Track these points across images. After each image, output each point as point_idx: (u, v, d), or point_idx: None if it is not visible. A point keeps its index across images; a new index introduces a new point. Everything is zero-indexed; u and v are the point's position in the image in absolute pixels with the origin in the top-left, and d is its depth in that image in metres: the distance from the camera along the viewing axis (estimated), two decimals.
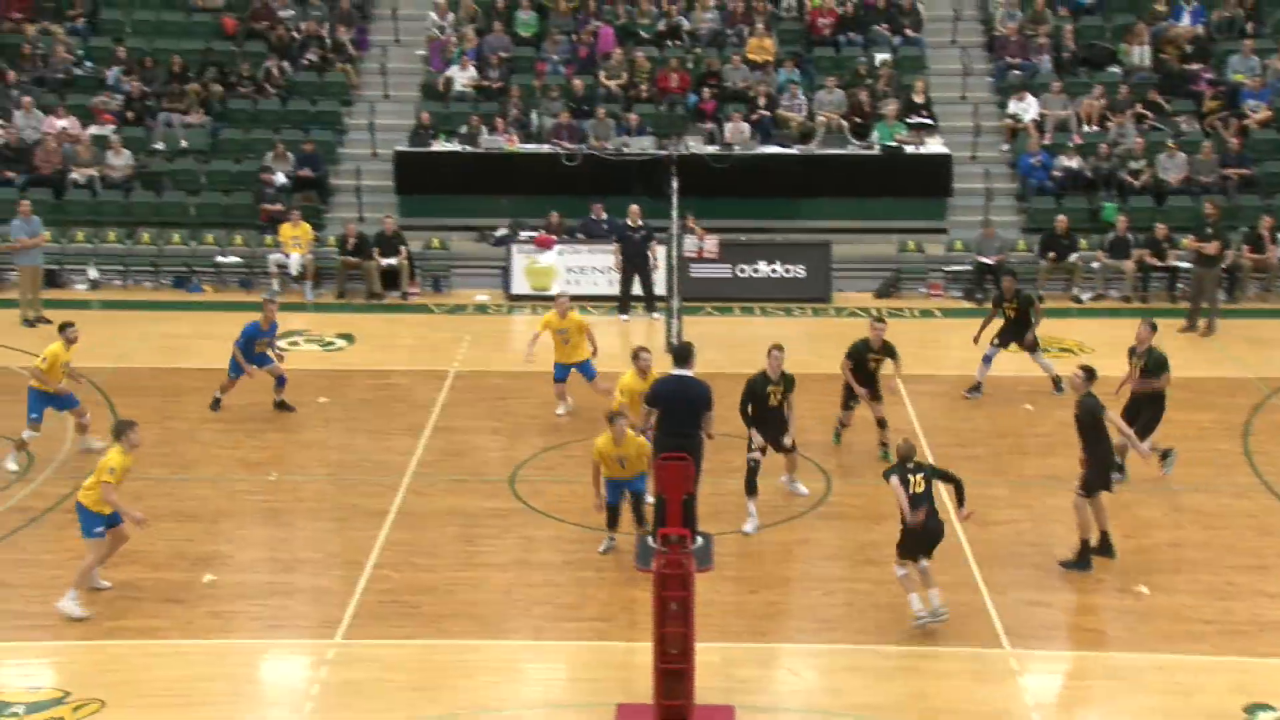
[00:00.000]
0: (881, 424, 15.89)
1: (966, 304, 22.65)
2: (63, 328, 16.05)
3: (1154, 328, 15.47)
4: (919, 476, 12.23)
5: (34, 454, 15.81)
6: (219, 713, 11.18)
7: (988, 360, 18.02)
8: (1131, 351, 15.37)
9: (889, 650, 12.09)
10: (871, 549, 13.93)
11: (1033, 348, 18.07)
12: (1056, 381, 17.96)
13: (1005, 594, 13.04)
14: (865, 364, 15.75)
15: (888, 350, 15.76)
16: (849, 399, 16.06)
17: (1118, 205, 23.79)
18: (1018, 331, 17.98)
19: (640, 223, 21.96)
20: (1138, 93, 25.57)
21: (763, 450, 14.20)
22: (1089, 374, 13.44)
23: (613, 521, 13.61)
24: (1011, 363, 18.48)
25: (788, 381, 14.25)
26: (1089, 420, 13.18)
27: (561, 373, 17.18)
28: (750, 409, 14.17)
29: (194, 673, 11.71)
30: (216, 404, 17.31)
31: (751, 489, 14.24)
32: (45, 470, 15.62)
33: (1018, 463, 16.26)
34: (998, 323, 18.06)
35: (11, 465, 15.60)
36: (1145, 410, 14.92)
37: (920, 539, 12.25)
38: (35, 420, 15.61)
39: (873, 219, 24.30)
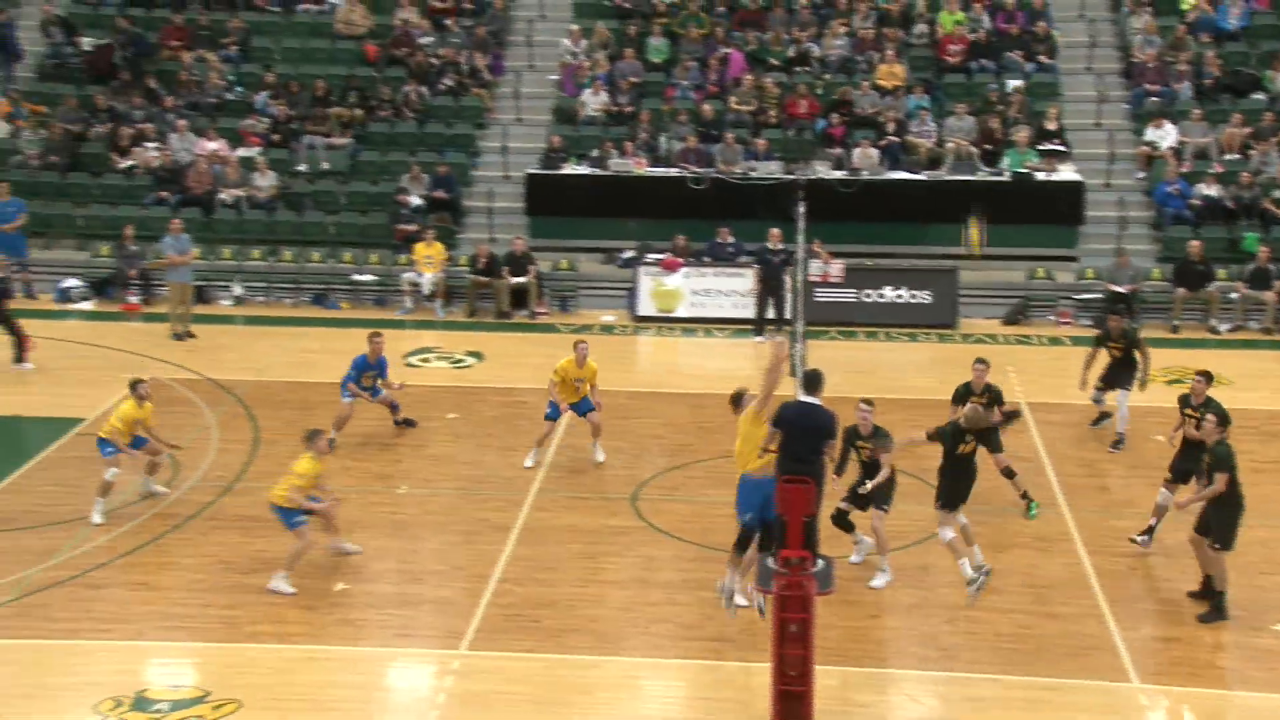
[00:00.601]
0: (1009, 474, 15.20)
1: (1097, 332, 22.18)
2: (133, 385, 15.39)
3: (1210, 379, 14.62)
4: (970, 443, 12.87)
5: (180, 462, 16.28)
6: (348, 718, 11.42)
7: (1098, 401, 17.47)
8: (1185, 401, 14.50)
9: (1012, 681, 11.91)
10: (996, 578, 13.71)
11: (1126, 387, 17.12)
12: (1118, 441, 17.16)
13: (1134, 629, 12.77)
14: None
15: (991, 393, 15.18)
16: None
17: (1259, 235, 23.15)
18: (1122, 374, 17.10)
19: (780, 246, 21.96)
20: None
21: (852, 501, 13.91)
22: (1222, 420, 13.08)
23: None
24: (1144, 392, 18.05)
25: (880, 439, 13.75)
26: (1221, 468, 12.81)
27: (556, 412, 16.60)
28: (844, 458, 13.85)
29: (325, 678, 11.99)
30: (330, 444, 17.22)
31: (846, 529, 13.95)
32: (191, 478, 16.10)
33: (1148, 495, 15.81)
34: (1102, 362, 17.30)
35: (97, 517, 14.88)
36: (1191, 461, 14.01)
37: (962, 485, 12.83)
38: (112, 454, 15.01)
39: (1002, 245, 23.97)
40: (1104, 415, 17.63)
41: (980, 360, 15.49)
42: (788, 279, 21.82)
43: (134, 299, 23.49)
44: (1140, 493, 15.93)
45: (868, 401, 13.85)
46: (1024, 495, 15.29)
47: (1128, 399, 17.13)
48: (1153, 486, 16.00)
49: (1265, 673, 12.04)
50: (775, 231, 22.05)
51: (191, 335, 21.61)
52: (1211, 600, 12.94)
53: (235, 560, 14.05)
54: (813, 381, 13.12)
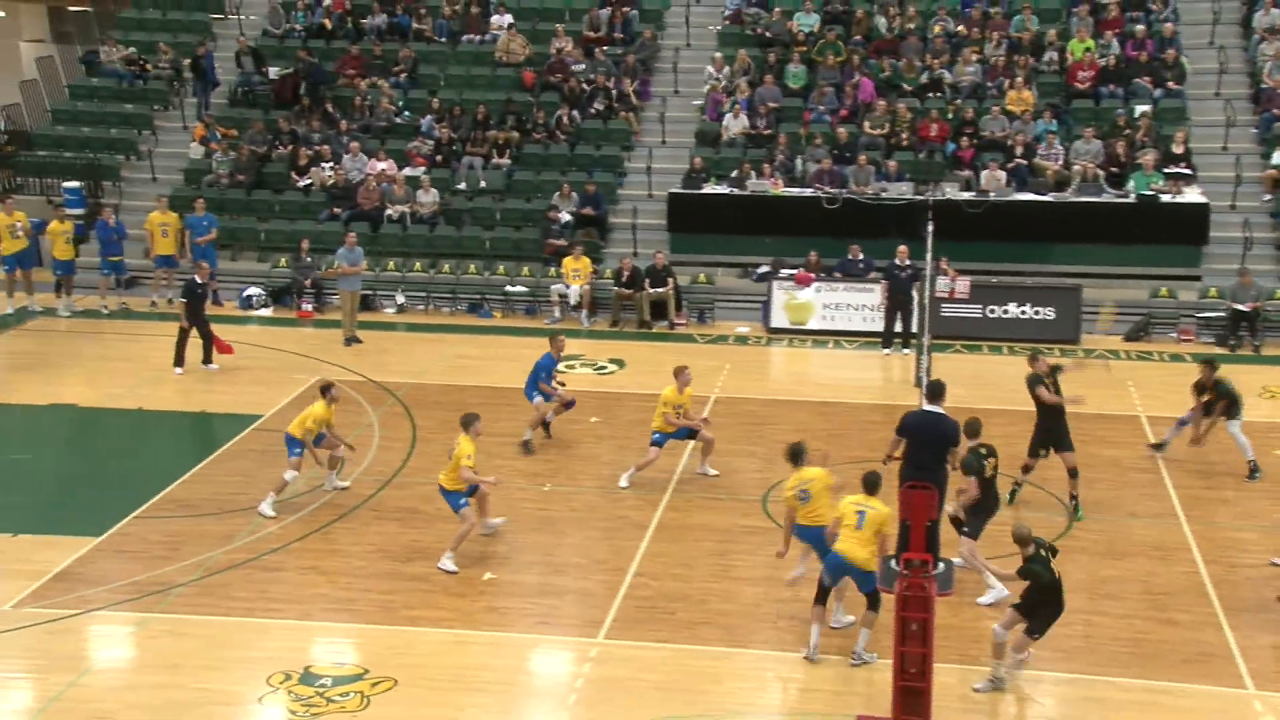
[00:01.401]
0: (1073, 473, 14.90)
1: (1219, 350, 21.51)
2: (325, 389, 15.52)
3: None
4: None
5: (345, 457, 16.67)
6: (494, 699, 11.60)
7: (1185, 421, 16.64)
8: None
9: (1128, 683, 11.60)
10: (1112, 584, 13.41)
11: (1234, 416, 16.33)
12: (1253, 471, 16.22)
13: (1252, 637, 12.32)
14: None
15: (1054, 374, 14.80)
16: (1038, 446, 15.03)
17: None
18: (1223, 407, 16.24)
19: (907, 262, 21.71)
20: None
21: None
22: None
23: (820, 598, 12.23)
24: (1264, 408, 17.46)
25: (968, 464, 13.04)
26: None
27: (663, 439, 16.05)
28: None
29: (474, 661, 12.19)
30: (527, 446, 17.27)
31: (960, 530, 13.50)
32: (354, 472, 16.51)
33: (1269, 508, 15.32)
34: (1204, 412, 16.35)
35: (268, 509, 15.17)
36: None
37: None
38: (298, 454, 15.25)
39: (1125, 264, 23.38)
40: (1162, 444, 16.90)
41: (1034, 354, 15.14)
42: (915, 294, 21.54)
43: (308, 306, 24.13)
44: (1259, 506, 15.40)
45: (978, 453, 13.17)
46: (1073, 497, 14.96)
47: (1239, 428, 16.32)
48: (1272, 500, 15.49)
49: None
50: (902, 248, 21.80)
51: (359, 340, 22.16)
52: None
53: (393, 549, 14.37)
54: (936, 391, 12.98)
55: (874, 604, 12.01)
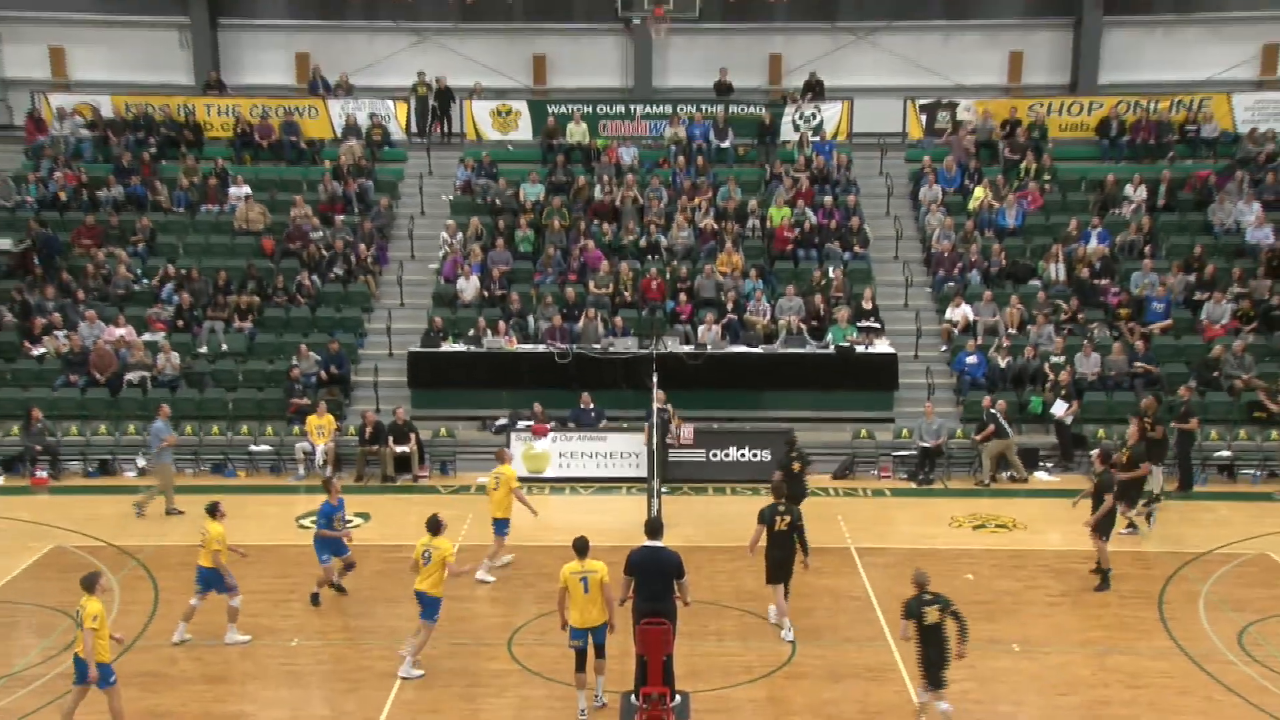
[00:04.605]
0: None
1: (911, 485, 22.86)
2: (212, 508, 15.54)
3: None
4: (933, 608, 12.62)
5: None
6: None
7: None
8: None
9: None
10: (832, 705, 13.85)
11: None
12: None
13: None
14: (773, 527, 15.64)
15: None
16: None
17: (1042, 398, 24.17)
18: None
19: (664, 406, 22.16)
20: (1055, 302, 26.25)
21: None
22: None
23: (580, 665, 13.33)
24: (954, 536, 18.57)
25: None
26: None
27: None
28: None
29: None
30: (316, 599, 16.75)
31: None
32: None
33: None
34: None
35: (241, 636, 15.43)
36: None
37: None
38: (234, 589, 15.42)
39: (829, 409, 24.66)
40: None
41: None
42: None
43: (42, 473, 22.74)
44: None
45: None
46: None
47: None
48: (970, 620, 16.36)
49: None
50: (660, 393, 22.33)
51: (179, 511, 20.62)
52: None
53: (133, 716, 13.45)
54: (654, 528, 13.39)
55: (600, 653, 13.18)
